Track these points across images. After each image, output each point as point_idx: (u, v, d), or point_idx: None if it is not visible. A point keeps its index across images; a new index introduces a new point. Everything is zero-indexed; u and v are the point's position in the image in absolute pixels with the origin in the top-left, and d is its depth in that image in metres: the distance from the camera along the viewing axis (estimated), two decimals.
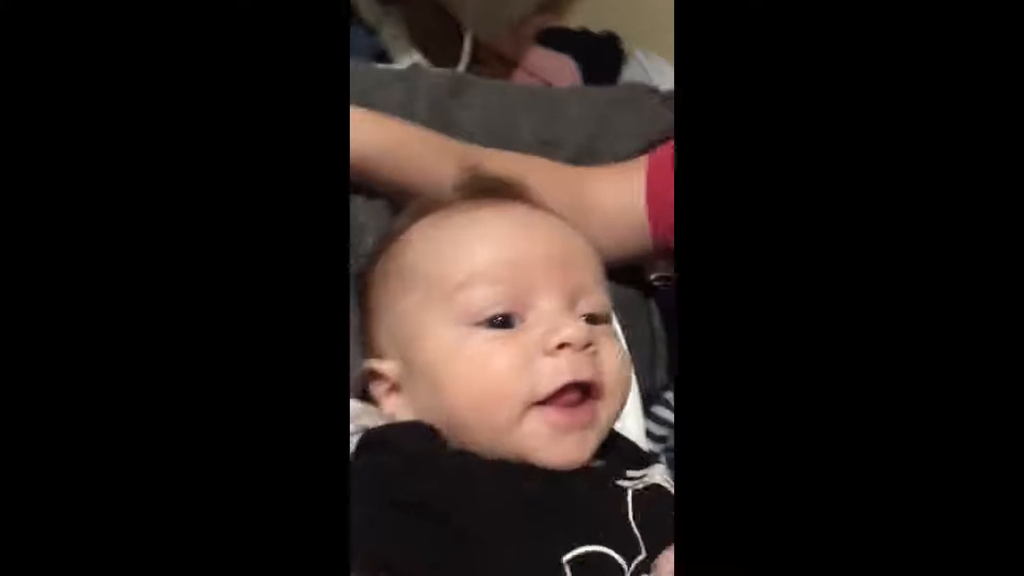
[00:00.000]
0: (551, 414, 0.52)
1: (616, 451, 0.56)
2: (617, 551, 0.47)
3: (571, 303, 0.56)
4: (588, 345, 0.53)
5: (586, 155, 0.84)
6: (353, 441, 0.58)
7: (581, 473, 0.53)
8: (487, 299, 0.54)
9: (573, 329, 0.53)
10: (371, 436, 0.54)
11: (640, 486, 0.52)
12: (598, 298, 0.58)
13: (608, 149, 0.85)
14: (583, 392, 0.53)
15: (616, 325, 0.65)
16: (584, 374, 0.53)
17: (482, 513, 0.48)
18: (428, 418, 0.55)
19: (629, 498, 0.51)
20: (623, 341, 0.65)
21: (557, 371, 0.52)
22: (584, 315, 0.56)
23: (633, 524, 0.49)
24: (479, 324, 0.54)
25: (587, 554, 0.47)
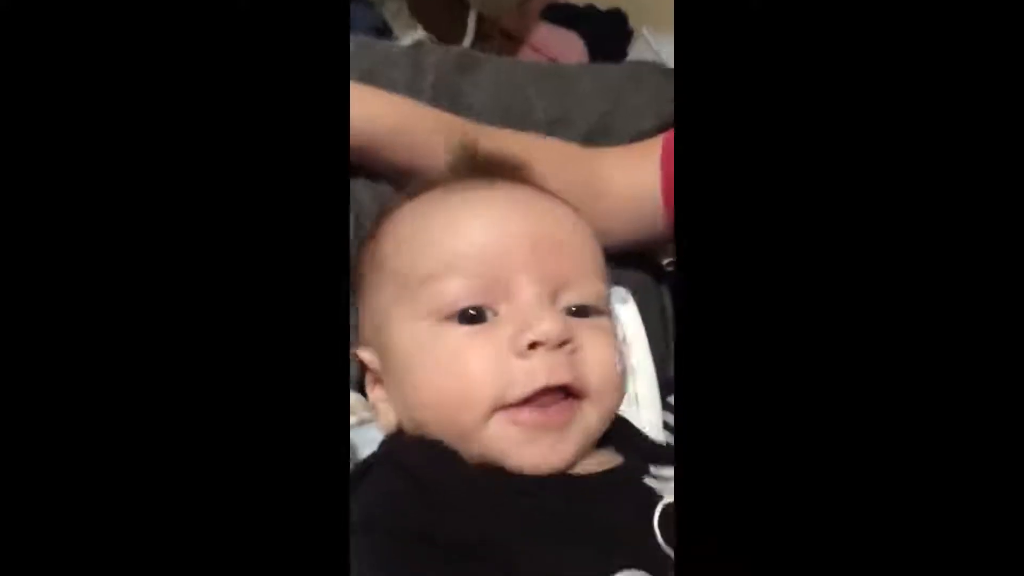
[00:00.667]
0: (518, 414, 0.48)
1: (634, 447, 0.54)
2: (651, 571, 0.43)
3: (553, 293, 0.51)
4: (565, 342, 0.49)
5: (598, 133, 0.82)
6: (352, 433, 0.56)
7: (604, 480, 0.50)
8: (455, 292, 0.50)
9: (548, 325, 0.48)
10: (377, 456, 0.52)
11: (669, 499, 0.47)
12: (589, 288, 0.53)
13: (621, 127, 0.83)
14: (562, 392, 0.49)
15: (624, 313, 0.63)
16: (559, 377, 0.48)
17: (506, 541, 0.45)
18: (402, 412, 0.53)
19: (657, 513, 0.46)
20: (627, 331, 0.62)
21: (529, 374, 0.48)
22: (570, 306, 0.52)
23: (661, 540, 0.45)
24: (449, 319, 0.50)
25: None
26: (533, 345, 0.48)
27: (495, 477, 0.49)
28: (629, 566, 0.43)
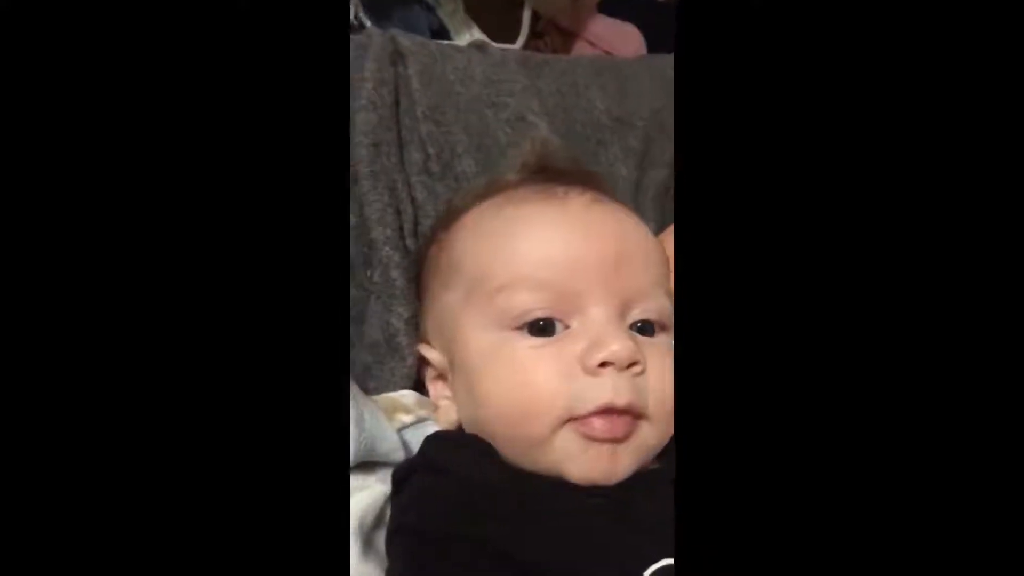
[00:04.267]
0: (584, 425, 0.50)
1: (671, 453, 0.54)
2: None
3: (623, 309, 0.52)
4: (633, 364, 0.50)
5: (656, 129, 0.81)
6: (409, 432, 0.57)
7: (638, 481, 0.51)
8: (529, 303, 0.51)
9: (618, 346, 0.49)
10: (418, 458, 0.53)
11: None
12: (655, 303, 0.54)
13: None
14: (623, 411, 0.50)
15: None
16: (624, 398, 0.50)
17: (552, 541, 0.46)
18: (466, 415, 0.54)
19: None
20: None
21: (596, 392, 0.49)
22: (637, 322, 0.53)
23: None
24: (519, 329, 0.51)
25: (666, 567, 0.44)
26: (603, 364, 0.49)
27: (532, 477, 0.51)
28: (667, 554, 0.44)
